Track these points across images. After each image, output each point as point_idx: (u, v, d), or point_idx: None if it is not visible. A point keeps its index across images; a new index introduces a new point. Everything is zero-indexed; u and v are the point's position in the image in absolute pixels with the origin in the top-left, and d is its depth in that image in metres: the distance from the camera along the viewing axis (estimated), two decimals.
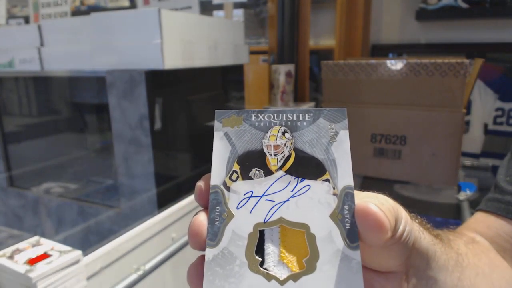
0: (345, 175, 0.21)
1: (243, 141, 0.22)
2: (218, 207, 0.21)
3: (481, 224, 0.44)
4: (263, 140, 0.22)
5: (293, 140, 0.22)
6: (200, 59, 0.96)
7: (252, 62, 1.31)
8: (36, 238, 0.56)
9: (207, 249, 0.21)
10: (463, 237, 0.40)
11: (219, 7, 1.55)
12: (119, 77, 0.85)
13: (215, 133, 0.23)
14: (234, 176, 0.22)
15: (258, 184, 0.22)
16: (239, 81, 1.27)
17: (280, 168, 0.22)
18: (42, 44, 1.01)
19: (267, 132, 0.22)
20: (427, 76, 0.88)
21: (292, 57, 1.43)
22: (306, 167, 0.22)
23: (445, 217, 0.88)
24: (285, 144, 0.22)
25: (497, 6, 1.44)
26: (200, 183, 0.22)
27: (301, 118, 0.23)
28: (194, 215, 0.22)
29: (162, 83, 0.87)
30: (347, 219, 0.21)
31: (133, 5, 1.92)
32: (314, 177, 0.22)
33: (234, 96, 1.22)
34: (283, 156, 0.22)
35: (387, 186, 1.03)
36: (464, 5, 1.46)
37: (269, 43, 1.50)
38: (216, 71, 1.08)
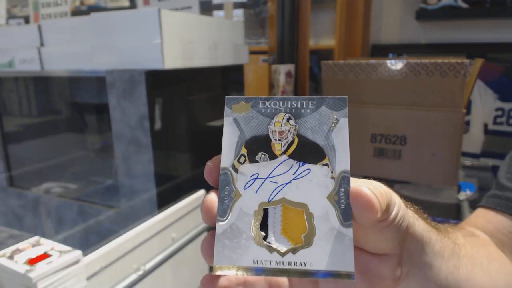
0: (342, 160, 0.23)
1: (250, 127, 0.24)
2: (227, 187, 0.23)
3: (481, 219, 0.46)
4: (269, 126, 0.24)
5: (297, 127, 0.24)
6: (200, 59, 0.96)
7: (252, 62, 1.31)
8: (36, 238, 0.56)
9: (217, 224, 0.23)
10: (462, 230, 0.41)
11: (219, 7, 1.55)
12: (119, 77, 0.85)
13: (225, 118, 0.24)
14: (242, 159, 0.24)
15: (264, 167, 0.24)
16: (239, 81, 1.27)
17: (284, 152, 0.24)
18: (42, 44, 1.01)
19: (273, 118, 0.24)
20: (427, 76, 0.88)
21: (292, 57, 1.43)
22: (308, 152, 0.24)
23: (445, 217, 0.88)
24: (289, 130, 0.24)
25: (497, 6, 1.44)
26: (210, 163, 0.24)
27: (304, 106, 0.24)
28: (206, 194, 0.24)
29: (162, 83, 0.87)
30: (342, 200, 0.23)
31: (133, 5, 1.92)
32: (315, 162, 0.24)
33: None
34: (287, 142, 0.24)
35: (387, 186, 1.03)
36: (464, 5, 1.46)
37: (269, 43, 1.49)
38: (216, 71, 1.08)
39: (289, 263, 0.22)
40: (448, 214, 0.95)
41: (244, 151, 0.24)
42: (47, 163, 1.27)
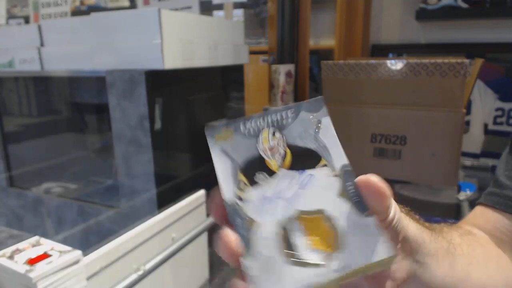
0: (339, 157, 0.24)
1: (239, 152, 0.24)
2: (238, 219, 0.22)
3: (479, 217, 0.46)
4: (257, 146, 0.24)
5: (284, 138, 0.24)
6: (200, 59, 0.96)
7: (252, 62, 1.31)
8: (36, 238, 0.56)
9: (244, 262, 0.22)
10: (459, 229, 0.41)
11: (219, 7, 1.55)
12: (119, 77, 0.84)
13: (211, 150, 0.24)
14: (242, 186, 0.23)
15: (267, 186, 0.23)
16: (239, 81, 1.27)
17: (281, 166, 0.24)
18: (42, 44, 1.01)
19: (258, 137, 0.24)
20: (427, 76, 0.88)
21: (292, 57, 1.43)
22: (303, 158, 0.24)
23: (445, 217, 0.88)
24: (278, 144, 0.24)
25: (497, 6, 1.44)
26: (212, 201, 0.23)
27: (284, 116, 0.24)
28: (219, 234, 0.22)
29: (162, 83, 0.87)
30: (353, 194, 0.23)
31: (133, 5, 1.92)
32: (313, 166, 0.23)
33: (234, 96, 1.22)
34: (279, 155, 0.24)
35: None
36: (464, 5, 1.46)
37: (269, 43, 1.49)
38: (216, 71, 1.08)
39: (334, 271, 0.21)
40: (448, 214, 0.95)
41: (241, 177, 0.23)
42: (47, 163, 1.27)
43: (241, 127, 0.24)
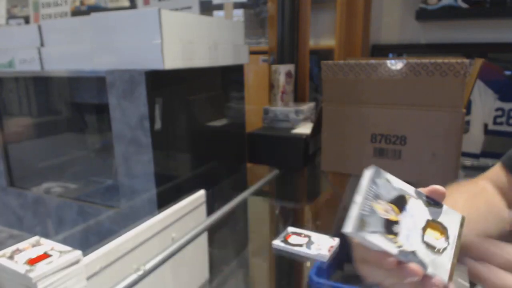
0: (409, 188, 0.39)
1: (374, 225, 0.35)
2: (410, 256, 0.35)
3: (495, 174, 0.57)
4: (377, 215, 0.36)
5: (384, 199, 0.37)
6: (200, 59, 0.96)
7: (252, 62, 1.30)
8: (36, 238, 0.56)
9: (429, 272, 0.35)
10: (472, 188, 0.55)
11: (219, 7, 1.55)
12: (119, 77, 0.84)
13: (363, 239, 0.34)
14: (394, 240, 0.35)
15: (401, 230, 0.36)
16: (239, 81, 1.27)
17: (396, 215, 0.37)
18: (42, 44, 1.01)
19: (373, 210, 0.36)
20: (427, 76, 0.88)
21: (292, 57, 1.43)
22: (398, 202, 0.37)
23: None
24: (386, 205, 0.37)
25: (497, 6, 1.44)
26: (384, 260, 0.34)
27: (371, 190, 0.37)
28: (407, 270, 0.34)
29: (162, 83, 0.87)
30: (428, 201, 0.39)
31: (133, 5, 1.92)
32: (407, 203, 0.38)
33: (234, 96, 1.22)
34: (390, 210, 0.37)
35: None
36: (464, 5, 1.46)
37: (269, 43, 1.50)
38: (216, 71, 1.08)
39: (453, 242, 0.37)
40: None
41: (390, 236, 0.35)
42: (47, 163, 1.27)
43: (362, 212, 0.35)
